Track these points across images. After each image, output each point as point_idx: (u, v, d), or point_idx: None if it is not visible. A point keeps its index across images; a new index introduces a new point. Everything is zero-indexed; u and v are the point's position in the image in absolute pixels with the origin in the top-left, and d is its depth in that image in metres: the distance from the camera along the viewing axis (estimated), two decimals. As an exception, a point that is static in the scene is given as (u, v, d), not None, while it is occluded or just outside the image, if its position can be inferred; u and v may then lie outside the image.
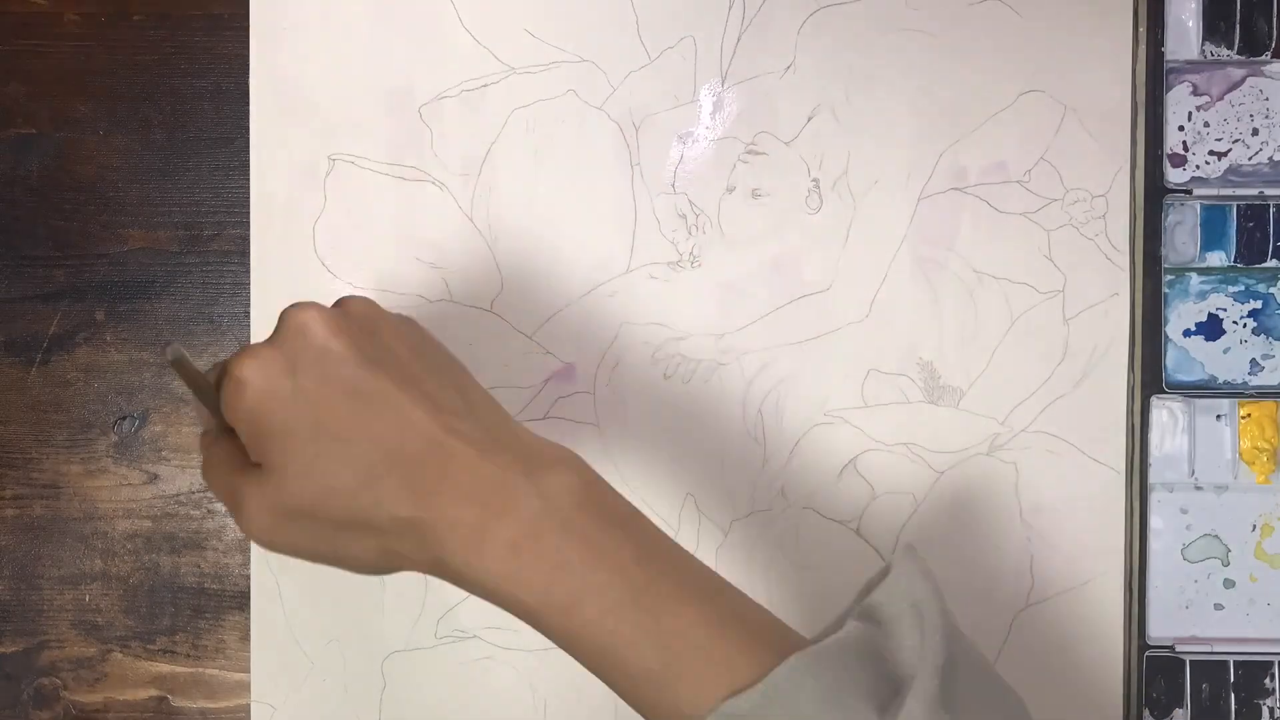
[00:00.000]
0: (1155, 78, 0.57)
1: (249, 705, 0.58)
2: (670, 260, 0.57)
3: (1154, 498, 0.57)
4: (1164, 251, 0.57)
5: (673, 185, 0.57)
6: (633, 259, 0.57)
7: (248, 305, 0.58)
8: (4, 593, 0.59)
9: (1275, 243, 0.57)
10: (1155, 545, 0.57)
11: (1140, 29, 0.57)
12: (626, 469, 0.57)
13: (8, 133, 0.58)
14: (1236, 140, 0.57)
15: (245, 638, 0.58)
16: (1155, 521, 0.57)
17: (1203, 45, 0.57)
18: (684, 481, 0.57)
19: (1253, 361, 0.57)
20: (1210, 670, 0.57)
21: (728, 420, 0.57)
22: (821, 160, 0.57)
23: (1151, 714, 0.57)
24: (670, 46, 0.57)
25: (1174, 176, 0.57)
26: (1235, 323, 0.57)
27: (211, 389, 0.39)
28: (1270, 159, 0.57)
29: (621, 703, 0.59)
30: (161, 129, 0.58)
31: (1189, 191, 0.57)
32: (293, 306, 0.38)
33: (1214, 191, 0.57)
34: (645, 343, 0.57)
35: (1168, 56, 0.57)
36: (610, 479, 0.57)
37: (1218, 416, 0.57)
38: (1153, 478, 0.57)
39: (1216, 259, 0.57)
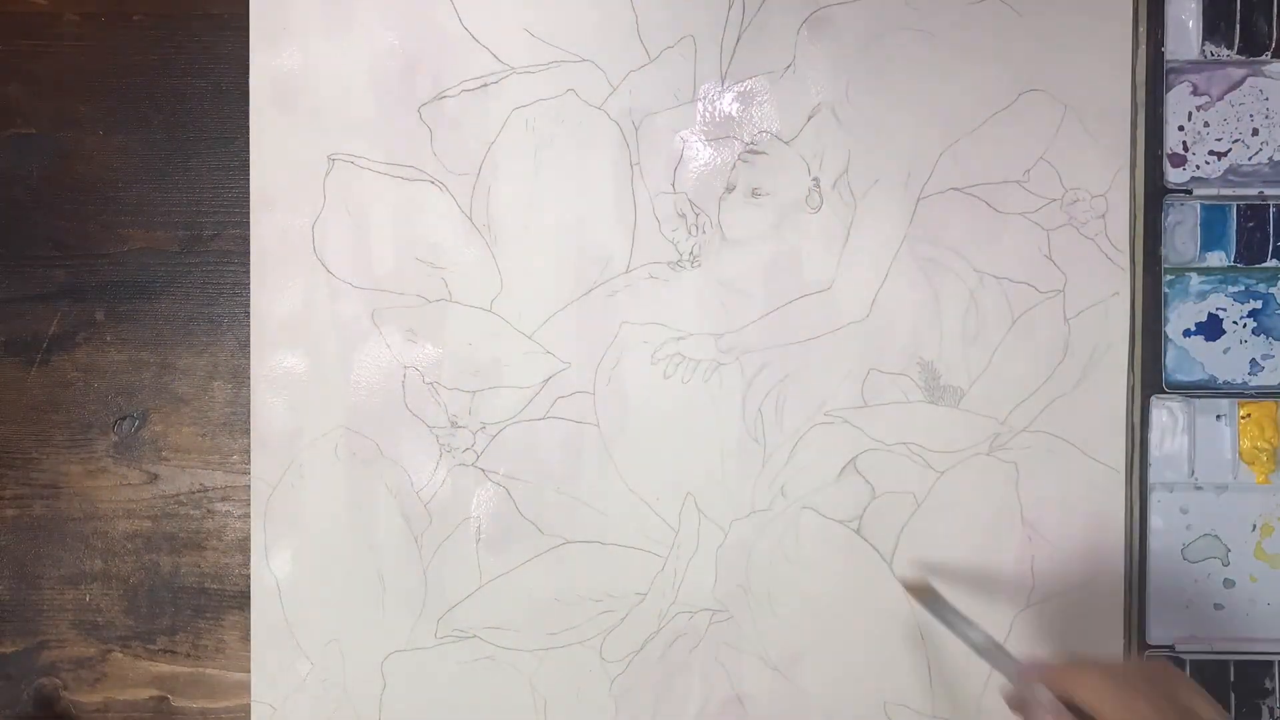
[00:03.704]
0: (1155, 78, 0.57)
1: (249, 705, 0.58)
2: (670, 260, 0.57)
3: (1154, 498, 0.57)
4: (1164, 251, 0.57)
5: (673, 185, 0.57)
6: (633, 259, 0.57)
7: (248, 305, 0.58)
8: (4, 593, 0.59)
9: (1275, 243, 0.57)
10: (1155, 545, 0.57)
11: (1140, 29, 0.57)
12: (626, 469, 0.57)
13: (8, 133, 0.58)
14: (1236, 140, 0.57)
15: (245, 638, 0.58)
16: (1155, 521, 0.57)
17: (1203, 45, 0.57)
18: (684, 481, 0.57)
19: (1253, 361, 0.57)
20: (1210, 670, 0.57)
21: (728, 420, 0.57)
22: (821, 160, 0.57)
23: (1151, 714, 0.57)
24: (670, 46, 0.57)
25: (1174, 176, 0.57)
26: (1235, 323, 0.57)
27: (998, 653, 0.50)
28: (1270, 159, 0.57)
29: (621, 702, 0.60)
30: (161, 129, 0.58)
31: (1189, 191, 0.57)
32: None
33: (1214, 191, 0.57)
34: (645, 343, 0.57)
35: (1168, 56, 0.57)
36: (610, 479, 0.58)
37: (1218, 416, 0.57)
38: (1153, 478, 0.57)
39: (1216, 259, 0.57)
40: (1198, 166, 0.57)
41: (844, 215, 0.57)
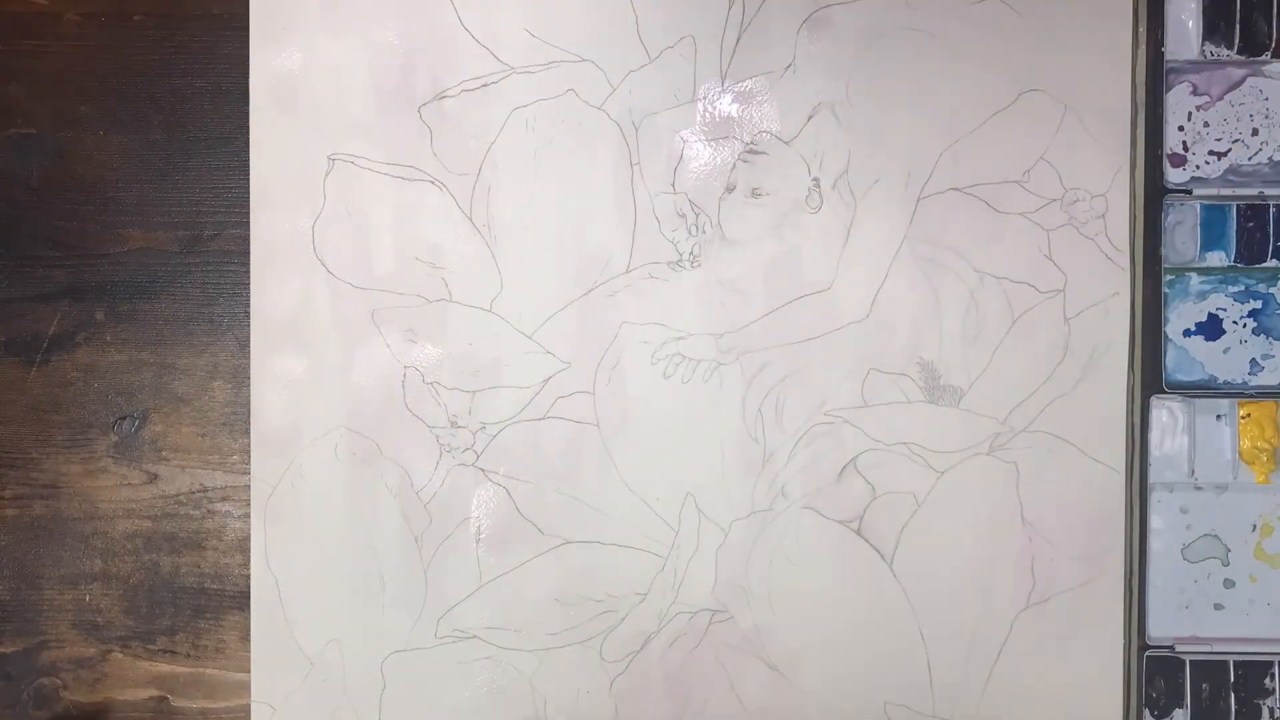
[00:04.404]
0: (1155, 78, 0.57)
1: (249, 705, 0.58)
2: (670, 260, 0.57)
3: (1154, 498, 0.57)
4: (1164, 251, 0.57)
5: (673, 185, 0.57)
6: (633, 259, 0.57)
7: (248, 305, 0.58)
8: (4, 593, 0.59)
9: (1275, 243, 0.57)
10: (1155, 545, 0.57)
11: (1140, 29, 0.57)
12: (626, 469, 0.57)
13: (8, 133, 0.58)
14: (1236, 140, 0.57)
15: (245, 638, 0.58)
16: (1155, 521, 0.57)
17: (1203, 45, 0.57)
18: (684, 481, 0.57)
19: (1253, 361, 0.57)
20: (1210, 670, 0.57)
21: (728, 420, 0.57)
22: (821, 160, 0.57)
23: (1151, 714, 0.57)
24: (670, 46, 0.57)
25: (1174, 176, 0.57)
26: (1235, 323, 0.57)
27: None
28: (1270, 159, 0.57)
29: (622, 703, 0.60)
30: (161, 129, 0.58)
31: (1189, 191, 0.57)
32: None
33: (1214, 191, 0.57)
34: (645, 343, 0.57)
35: (1168, 56, 0.57)
36: (610, 479, 0.58)
37: (1218, 416, 0.57)
38: (1153, 478, 0.57)
39: (1216, 259, 0.57)
40: (1198, 166, 0.57)
41: (844, 215, 0.57)
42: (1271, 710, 0.57)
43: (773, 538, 0.58)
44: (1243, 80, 0.57)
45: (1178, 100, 0.57)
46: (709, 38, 0.57)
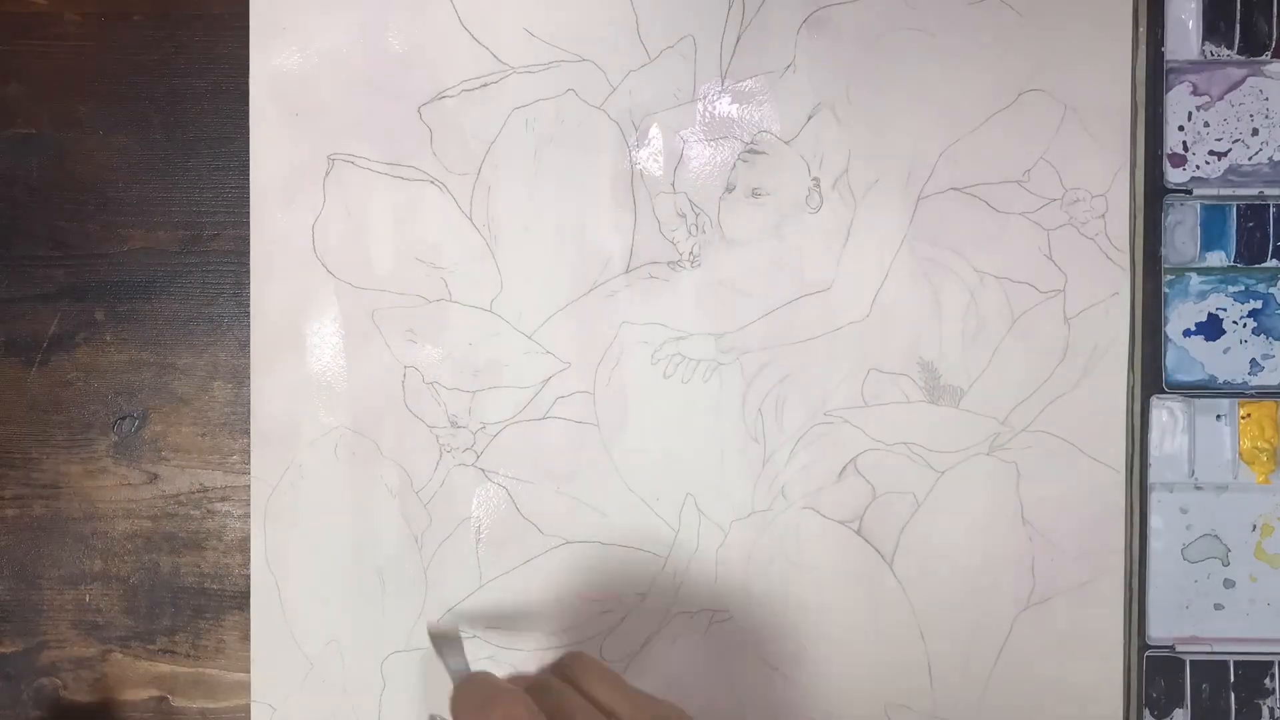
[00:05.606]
0: (1155, 78, 0.57)
1: (249, 705, 0.58)
2: (670, 260, 0.57)
3: (1154, 498, 0.57)
4: (1164, 251, 0.57)
5: (673, 185, 0.57)
6: (633, 259, 0.57)
7: (248, 305, 0.58)
8: (4, 593, 0.59)
9: (1275, 243, 0.57)
10: (1155, 545, 0.57)
11: (1140, 29, 0.57)
12: (626, 469, 0.57)
13: (8, 133, 0.58)
14: (1236, 140, 0.57)
15: (245, 638, 0.58)
16: (1155, 521, 0.57)
17: (1203, 45, 0.57)
18: (684, 481, 0.57)
19: (1253, 361, 0.57)
20: (1210, 670, 0.57)
21: (728, 420, 0.57)
22: (821, 160, 0.57)
23: (1151, 714, 0.57)
24: (670, 46, 0.57)
25: (1174, 176, 0.57)
26: (1235, 323, 0.57)
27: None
28: (1270, 159, 0.57)
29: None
30: (161, 129, 0.58)
31: (1189, 191, 0.57)
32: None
33: (1214, 191, 0.57)
34: (645, 343, 0.57)
35: (1168, 56, 0.57)
36: (610, 479, 0.58)
37: (1218, 416, 0.57)
38: (1153, 478, 0.57)
39: (1216, 259, 0.57)
40: (1198, 166, 0.57)
41: (844, 215, 0.57)
42: (1271, 710, 0.57)
43: (773, 538, 0.58)
44: (1243, 80, 0.57)
45: (1178, 100, 0.57)
46: (709, 38, 0.57)
